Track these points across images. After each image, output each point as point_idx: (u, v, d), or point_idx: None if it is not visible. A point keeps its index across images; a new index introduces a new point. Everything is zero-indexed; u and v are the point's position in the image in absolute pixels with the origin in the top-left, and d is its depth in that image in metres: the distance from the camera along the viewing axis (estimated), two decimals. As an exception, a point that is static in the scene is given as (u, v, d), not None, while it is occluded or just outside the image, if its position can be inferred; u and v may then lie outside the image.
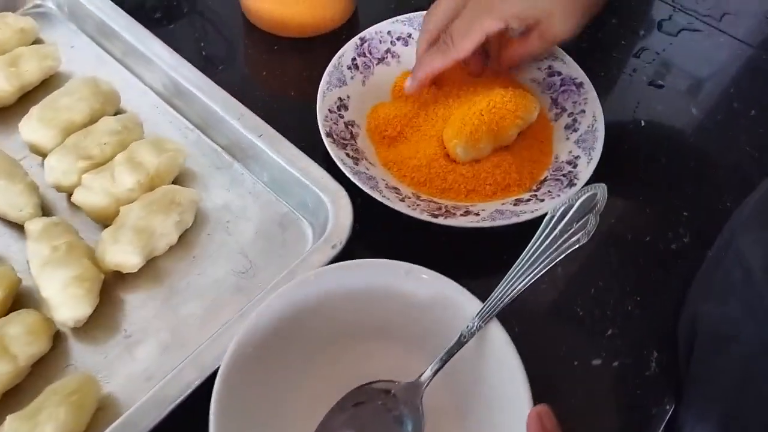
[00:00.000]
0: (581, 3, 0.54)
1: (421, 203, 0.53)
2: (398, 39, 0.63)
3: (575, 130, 0.58)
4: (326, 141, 0.53)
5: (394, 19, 0.63)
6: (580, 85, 0.60)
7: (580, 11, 0.54)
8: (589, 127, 0.57)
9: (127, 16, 0.63)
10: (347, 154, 0.54)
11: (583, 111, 0.58)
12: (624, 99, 0.65)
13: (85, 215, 0.53)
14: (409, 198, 0.53)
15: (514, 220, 0.50)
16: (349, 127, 0.58)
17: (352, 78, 0.60)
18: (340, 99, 0.58)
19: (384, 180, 0.54)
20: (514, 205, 0.53)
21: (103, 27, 0.63)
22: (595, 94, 0.59)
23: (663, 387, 0.48)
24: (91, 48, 0.65)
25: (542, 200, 0.53)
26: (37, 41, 0.64)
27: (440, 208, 0.53)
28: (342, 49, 0.60)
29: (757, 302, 0.37)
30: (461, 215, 0.52)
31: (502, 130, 0.55)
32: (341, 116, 0.58)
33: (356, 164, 0.54)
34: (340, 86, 0.59)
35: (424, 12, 0.63)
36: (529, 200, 0.54)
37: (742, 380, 0.39)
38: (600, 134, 0.56)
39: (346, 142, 0.56)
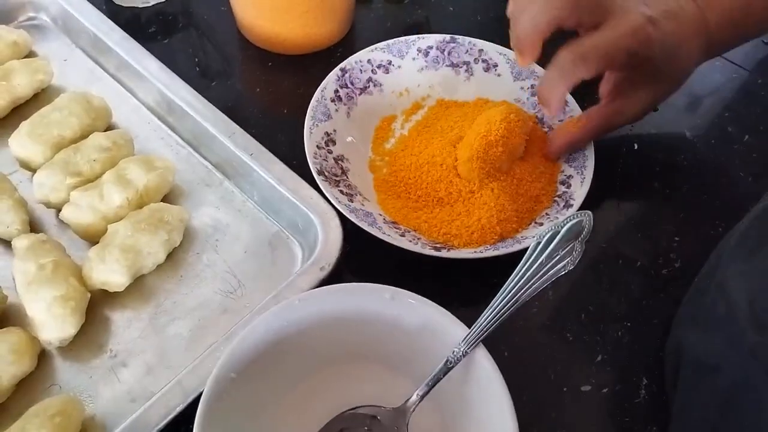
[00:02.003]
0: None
1: (422, 236, 0.53)
2: (379, 67, 0.62)
3: None
4: (318, 180, 0.52)
5: (373, 47, 0.62)
6: (564, 103, 0.59)
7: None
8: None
9: (121, 31, 0.63)
10: (341, 191, 0.53)
11: None
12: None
13: (73, 232, 0.52)
14: (410, 232, 0.53)
15: (517, 247, 0.50)
16: (339, 162, 0.57)
17: (336, 110, 0.59)
18: (327, 134, 0.58)
19: (381, 215, 0.54)
20: (515, 231, 0.53)
21: (97, 41, 0.63)
22: (580, 110, 0.58)
23: (652, 414, 0.47)
24: (84, 62, 0.65)
25: (541, 224, 0.53)
26: (30, 54, 0.64)
27: (441, 242, 0.53)
28: (324, 81, 0.59)
29: (739, 337, 0.37)
30: (463, 247, 0.52)
31: (512, 145, 0.55)
32: (330, 152, 0.57)
33: (351, 201, 0.53)
34: (326, 120, 0.58)
35: (402, 38, 0.63)
36: (528, 224, 0.54)
37: (724, 411, 0.38)
38: (590, 152, 0.56)
39: (338, 178, 0.55)
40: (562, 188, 0.56)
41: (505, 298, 0.41)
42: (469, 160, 0.53)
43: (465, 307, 0.45)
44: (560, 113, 0.59)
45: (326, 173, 0.54)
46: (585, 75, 0.48)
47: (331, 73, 0.60)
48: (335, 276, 0.49)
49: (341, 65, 0.61)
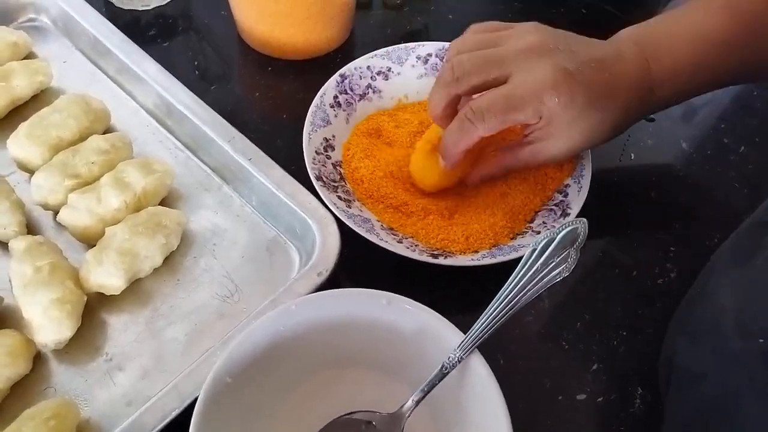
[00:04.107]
0: (595, 130, 0.50)
1: (420, 243, 0.53)
2: (378, 74, 0.63)
3: None
4: (317, 185, 0.52)
5: (372, 53, 0.63)
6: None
7: (587, 136, 0.51)
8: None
9: (121, 33, 0.63)
10: (339, 197, 0.53)
11: None
12: (615, 131, 0.66)
13: (70, 234, 0.52)
14: (407, 239, 0.53)
15: (514, 255, 0.50)
16: (338, 167, 0.57)
17: (335, 116, 0.60)
18: (326, 139, 0.58)
19: (379, 221, 0.54)
20: (512, 239, 0.53)
21: (97, 44, 0.63)
22: None
23: (647, 424, 0.47)
24: (84, 64, 0.65)
25: (538, 232, 0.53)
26: (29, 56, 0.64)
27: (438, 248, 0.53)
28: (323, 87, 0.59)
29: (724, 347, 0.37)
30: (460, 254, 0.52)
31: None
32: (328, 157, 0.57)
33: (349, 206, 0.53)
34: (325, 126, 0.58)
35: (402, 45, 0.63)
36: (525, 232, 0.54)
37: (710, 419, 0.39)
38: (587, 161, 0.56)
39: (336, 184, 0.55)
40: (559, 197, 0.56)
41: (500, 304, 0.41)
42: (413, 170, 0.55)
43: (461, 314, 0.45)
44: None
45: (325, 179, 0.54)
46: (484, 133, 0.49)
47: (330, 78, 0.60)
48: (332, 281, 0.49)
49: (341, 71, 0.61)
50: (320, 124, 0.58)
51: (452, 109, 0.52)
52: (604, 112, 0.50)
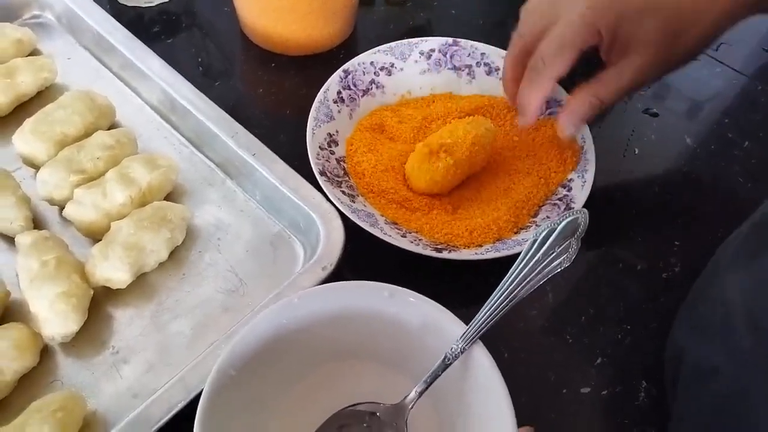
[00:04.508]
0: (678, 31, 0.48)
1: (424, 238, 0.53)
2: (381, 69, 0.63)
3: None
4: (321, 180, 0.52)
5: (376, 49, 0.63)
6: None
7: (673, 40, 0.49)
8: (579, 148, 0.57)
9: (125, 30, 0.63)
10: (343, 192, 0.54)
11: None
12: (618, 126, 0.66)
13: (76, 229, 0.53)
14: (411, 233, 0.53)
15: (517, 249, 0.50)
16: (342, 163, 0.57)
17: (339, 112, 0.60)
18: (329, 135, 0.58)
19: (383, 216, 0.54)
20: (515, 233, 0.54)
21: (101, 40, 0.63)
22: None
23: (651, 417, 0.47)
24: (88, 61, 0.65)
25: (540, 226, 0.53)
26: (34, 52, 0.64)
27: (442, 242, 0.53)
28: (326, 83, 0.60)
29: (736, 344, 0.37)
30: (464, 248, 0.52)
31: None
32: (332, 152, 0.57)
33: (353, 201, 0.53)
34: (328, 121, 0.58)
35: (405, 41, 0.63)
36: (528, 226, 0.54)
37: (721, 416, 0.39)
38: (591, 156, 0.56)
39: (340, 179, 0.55)
40: (563, 191, 0.56)
41: (502, 295, 0.41)
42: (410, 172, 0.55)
43: (465, 307, 0.45)
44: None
45: (328, 174, 0.54)
46: (552, 74, 0.49)
47: (333, 74, 0.60)
48: (336, 275, 0.49)
49: (344, 67, 0.61)
50: (324, 120, 0.58)
51: (521, 72, 0.53)
52: (684, 22, 0.48)
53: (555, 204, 0.56)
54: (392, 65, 0.63)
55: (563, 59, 0.49)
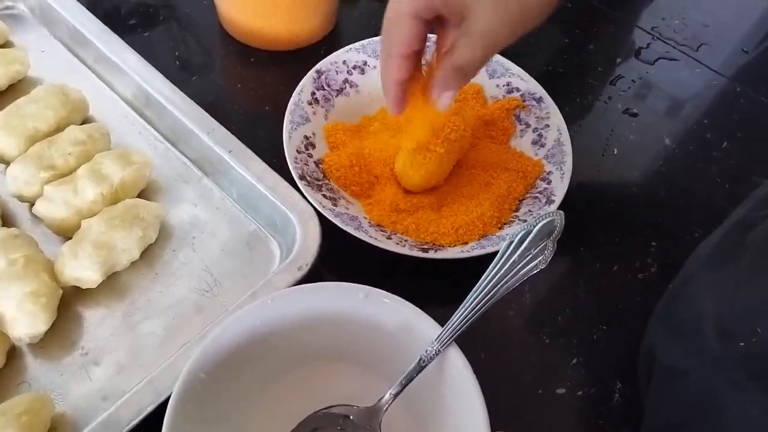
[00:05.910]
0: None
1: (409, 238, 0.53)
2: (354, 68, 0.62)
3: (542, 146, 0.58)
4: (300, 185, 0.52)
5: (348, 47, 0.62)
6: (540, 100, 0.60)
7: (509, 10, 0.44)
8: (555, 141, 0.58)
9: (100, 22, 0.62)
10: (324, 195, 0.53)
11: (548, 125, 0.59)
12: (598, 126, 0.66)
13: (46, 226, 0.52)
14: (396, 234, 0.53)
15: (502, 244, 0.50)
16: (320, 165, 0.57)
17: (314, 113, 0.59)
18: (306, 137, 0.57)
19: (366, 218, 0.54)
20: (500, 229, 0.53)
21: (75, 33, 0.62)
22: (556, 107, 0.59)
23: (626, 417, 0.47)
24: (62, 53, 0.64)
25: (524, 220, 0.53)
26: (6, 44, 0.63)
27: (429, 242, 0.53)
28: (300, 84, 0.59)
29: (704, 347, 0.37)
30: (450, 246, 0.52)
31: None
32: (310, 155, 0.56)
33: (335, 205, 0.53)
34: (304, 123, 0.58)
35: (377, 38, 0.62)
36: (512, 221, 0.54)
37: (690, 417, 0.39)
38: (567, 148, 0.57)
39: (320, 182, 0.55)
40: (543, 184, 0.56)
41: (478, 296, 0.41)
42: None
43: (443, 307, 0.44)
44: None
45: (308, 178, 0.54)
46: (397, 47, 0.46)
47: (306, 75, 0.60)
48: (314, 275, 0.49)
49: (317, 67, 0.60)
50: (299, 122, 0.57)
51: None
52: None
53: (536, 197, 0.55)
54: (365, 63, 0.62)
55: (399, 31, 0.45)
